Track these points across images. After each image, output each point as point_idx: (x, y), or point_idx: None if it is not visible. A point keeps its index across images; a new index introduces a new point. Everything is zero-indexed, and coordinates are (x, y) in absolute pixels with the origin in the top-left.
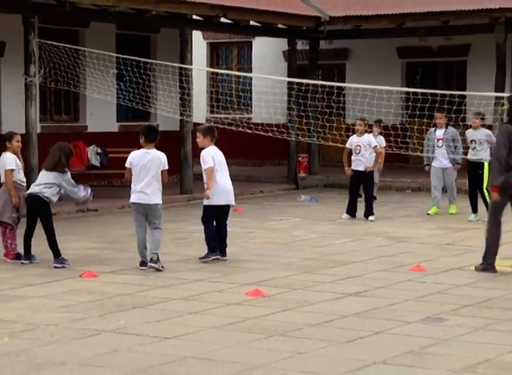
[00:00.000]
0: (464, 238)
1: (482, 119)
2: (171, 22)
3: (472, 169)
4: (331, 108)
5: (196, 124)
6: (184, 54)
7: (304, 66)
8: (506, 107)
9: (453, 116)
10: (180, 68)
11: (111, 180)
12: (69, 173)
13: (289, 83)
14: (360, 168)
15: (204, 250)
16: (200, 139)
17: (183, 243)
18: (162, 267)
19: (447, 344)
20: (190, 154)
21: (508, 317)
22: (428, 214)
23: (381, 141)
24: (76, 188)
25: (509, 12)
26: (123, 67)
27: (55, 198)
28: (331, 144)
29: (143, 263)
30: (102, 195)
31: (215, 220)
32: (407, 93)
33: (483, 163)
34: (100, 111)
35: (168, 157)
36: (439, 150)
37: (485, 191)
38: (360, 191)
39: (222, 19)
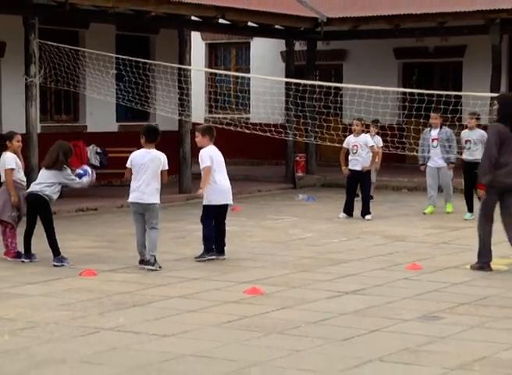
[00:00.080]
0: (460, 237)
1: (478, 119)
2: (170, 23)
3: (468, 169)
4: (328, 109)
5: (194, 124)
6: (183, 54)
7: (302, 67)
8: (496, 107)
9: (449, 116)
10: (179, 68)
11: (110, 180)
12: (68, 169)
13: (286, 83)
14: (357, 168)
15: (202, 249)
16: (199, 138)
17: (181, 242)
18: (160, 267)
19: (443, 341)
20: (188, 154)
21: (504, 315)
22: (424, 213)
23: (378, 141)
24: (77, 179)
25: (504, 13)
26: (123, 68)
27: (55, 196)
28: (328, 144)
29: (142, 261)
30: (102, 195)
31: (214, 220)
32: (404, 93)
33: (478, 163)
34: (99, 111)
35: (167, 157)
36: (434, 150)
37: None
38: (357, 191)
39: (221, 20)
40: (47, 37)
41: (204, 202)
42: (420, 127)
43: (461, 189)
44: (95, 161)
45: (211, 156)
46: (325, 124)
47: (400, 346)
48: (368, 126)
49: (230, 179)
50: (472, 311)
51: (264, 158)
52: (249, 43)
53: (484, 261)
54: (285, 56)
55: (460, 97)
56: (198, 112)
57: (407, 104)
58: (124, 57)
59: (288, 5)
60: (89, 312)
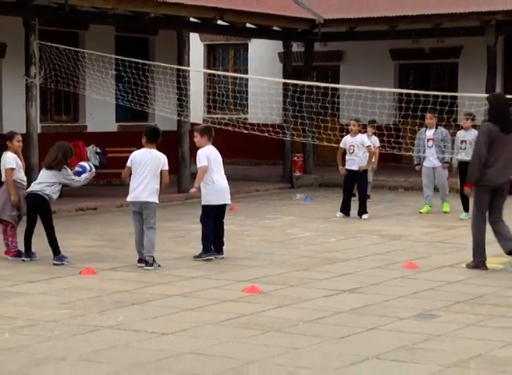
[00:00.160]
0: (456, 236)
1: (473, 120)
2: (169, 24)
3: (463, 169)
4: (325, 109)
5: (193, 124)
6: (182, 55)
7: (299, 68)
8: (486, 107)
9: (445, 116)
10: (178, 69)
11: (110, 180)
12: (68, 170)
13: (284, 84)
14: (354, 167)
15: (201, 248)
16: (197, 138)
17: (180, 241)
18: (159, 266)
19: (439, 339)
20: (187, 153)
21: (499, 313)
22: (420, 212)
23: (375, 141)
24: (76, 178)
25: (499, 15)
26: (122, 68)
27: (55, 196)
28: (325, 144)
29: (140, 260)
30: (101, 194)
31: (213, 219)
32: (400, 94)
33: None
34: (99, 111)
35: (166, 157)
36: (429, 150)
37: None
38: (354, 191)
39: (219, 22)
40: (47, 38)
41: (203, 202)
42: (416, 128)
43: (457, 189)
44: (95, 161)
45: (208, 156)
46: (322, 124)
47: (396, 344)
48: (364, 127)
49: (228, 179)
50: (468, 309)
51: (262, 158)
52: (247, 44)
53: (479, 260)
54: (282, 57)
55: (455, 98)
56: (197, 112)
57: (403, 104)
58: (123, 58)
59: (285, 6)
60: (89, 311)
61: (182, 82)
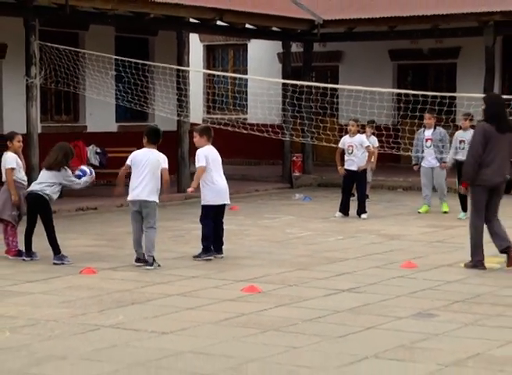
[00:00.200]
0: (454, 236)
1: (471, 120)
2: (168, 25)
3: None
4: (324, 109)
5: (193, 124)
6: (181, 56)
7: (298, 68)
8: (483, 107)
9: (443, 116)
10: (177, 70)
11: (110, 179)
12: (69, 171)
13: (283, 84)
14: (353, 168)
15: (200, 248)
16: (197, 139)
17: (180, 240)
18: (159, 265)
19: (438, 338)
20: (187, 153)
21: (497, 313)
22: (419, 212)
23: (374, 141)
24: (76, 180)
25: (497, 15)
26: (122, 69)
27: (55, 196)
28: (324, 144)
29: (138, 260)
30: (101, 194)
31: (213, 219)
32: (399, 94)
33: None
34: (99, 111)
35: (166, 156)
36: (428, 150)
37: None
38: (353, 191)
39: (219, 22)
40: (47, 38)
41: (203, 202)
42: (415, 128)
43: (455, 189)
44: (95, 161)
45: (206, 156)
46: (321, 125)
47: (394, 343)
48: (363, 127)
49: (228, 178)
50: (466, 308)
51: (261, 158)
52: (246, 45)
53: (477, 259)
54: (282, 58)
55: (454, 98)
56: (196, 112)
57: (401, 105)
58: (123, 58)
59: (285, 7)
60: (89, 310)
61: (181, 82)
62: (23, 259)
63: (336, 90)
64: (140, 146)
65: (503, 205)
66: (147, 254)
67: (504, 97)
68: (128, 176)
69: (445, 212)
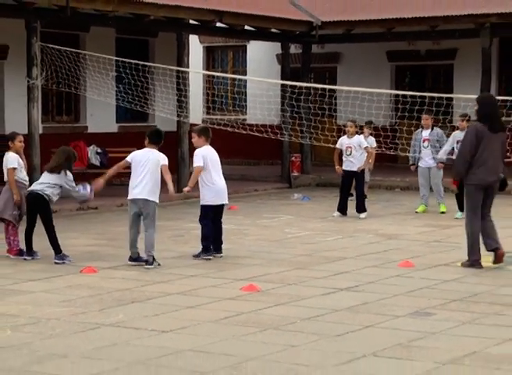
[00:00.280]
0: (451, 235)
1: (468, 120)
2: (168, 26)
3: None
4: (323, 110)
5: (192, 125)
6: (181, 57)
7: (297, 69)
8: (476, 107)
9: (440, 117)
10: (177, 71)
11: (110, 179)
12: (70, 175)
13: (282, 85)
14: (352, 168)
15: (200, 247)
16: (195, 139)
17: (180, 240)
18: (159, 264)
19: (435, 337)
20: (186, 154)
21: (494, 311)
22: (416, 212)
23: (372, 142)
24: (77, 188)
25: (494, 17)
26: (122, 70)
27: (55, 198)
28: (323, 144)
29: (131, 258)
30: (102, 194)
31: (212, 219)
32: (397, 95)
33: None
34: (100, 112)
35: (166, 157)
36: (425, 150)
37: None
38: (351, 191)
39: (218, 24)
40: (48, 40)
41: (202, 202)
42: (412, 128)
43: (452, 189)
44: (95, 161)
45: (204, 156)
46: (319, 125)
47: (392, 341)
48: (361, 128)
49: (227, 178)
50: (463, 307)
51: (260, 159)
52: (245, 46)
53: (474, 258)
54: (280, 59)
55: (451, 99)
56: (196, 113)
57: (399, 106)
58: (124, 60)
59: (284, 9)
60: (89, 309)
61: (181, 83)
62: (24, 258)
63: (334, 91)
64: (140, 146)
65: (496, 204)
66: (147, 253)
67: (501, 98)
68: (127, 175)
69: (442, 213)
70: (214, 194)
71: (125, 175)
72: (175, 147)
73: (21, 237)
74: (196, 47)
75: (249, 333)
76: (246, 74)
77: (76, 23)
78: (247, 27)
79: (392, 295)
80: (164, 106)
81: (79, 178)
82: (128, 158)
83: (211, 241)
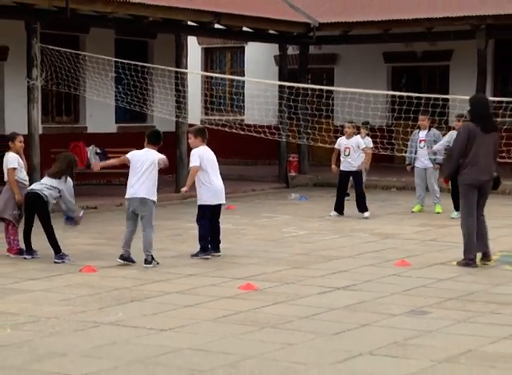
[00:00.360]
0: (447, 235)
1: (464, 121)
2: (167, 28)
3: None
4: (320, 111)
5: (191, 125)
6: (180, 58)
7: (295, 70)
8: (468, 108)
9: (436, 118)
10: (176, 72)
11: (109, 179)
12: (70, 181)
13: (280, 86)
14: (349, 169)
15: (198, 247)
16: (191, 140)
17: (178, 239)
18: (157, 263)
19: (431, 335)
20: (185, 154)
21: (489, 310)
22: (412, 212)
23: (368, 142)
24: (72, 200)
25: (489, 19)
26: (121, 71)
27: (52, 200)
28: (320, 144)
29: (121, 256)
30: (101, 193)
31: (209, 219)
32: (393, 96)
33: None
34: (99, 113)
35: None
36: (421, 150)
37: None
38: (348, 190)
39: (216, 25)
40: (48, 41)
41: (199, 202)
42: (408, 129)
43: (448, 189)
44: (95, 161)
45: (201, 156)
46: (316, 126)
47: (388, 340)
48: (358, 128)
49: (225, 178)
50: (459, 306)
51: (258, 159)
52: (243, 47)
53: (470, 257)
54: (278, 60)
55: (447, 100)
56: (195, 113)
57: (395, 106)
58: (123, 61)
59: (281, 10)
60: (89, 307)
61: (180, 84)
62: (24, 258)
63: (331, 92)
64: (139, 147)
65: (488, 204)
66: (145, 252)
67: (497, 99)
68: (125, 175)
69: (438, 213)
70: (212, 194)
71: (123, 175)
72: (173, 147)
73: (21, 236)
74: (194, 48)
75: (247, 332)
76: (244, 75)
77: (76, 25)
78: (244, 29)
79: (389, 294)
80: (163, 107)
81: (79, 178)
82: (128, 156)
83: (209, 241)
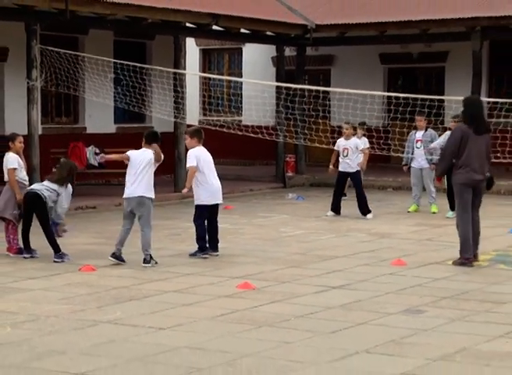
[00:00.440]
0: (442, 234)
1: (460, 122)
2: (165, 29)
3: (450, 169)
4: (317, 112)
5: (189, 126)
6: (178, 59)
7: (292, 72)
8: (462, 109)
9: (432, 119)
10: (174, 73)
11: (108, 179)
12: (70, 188)
13: (277, 87)
14: (347, 170)
15: (196, 246)
16: (188, 140)
17: (176, 239)
18: (156, 263)
19: (426, 334)
20: (183, 154)
21: (484, 309)
22: (408, 211)
23: (365, 142)
24: (66, 205)
25: (485, 21)
26: (120, 72)
27: (50, 202)
28: (317, 145)
29: (113, 254)
30: (100, 193)
31: (207, 219)
32: (389, 97)
33: None
34: (98, 113)
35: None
36: (418, 151)
37: None
38: (345, 191)
39: (214, 27)
40: (48, 42)
41: (197, 202)
42: (404, 130)
43: (444, 189)
44: (94, 161)
45: (197, 156)
46: (313, 126)
47: (384, 338)
48: (355, 129)
49: (223, 178)
50: (454, 305)
51: (255, 159)
52: (241, 49)
53: (465, 257)
54: (275, 61)
55: (442, 101)
56: (193, 114)
57: (392, 107)
58: (122, 62)
59: (279, 12)
60: (88, 306)
61: (178, 85)
62: (24, 257)
63: (328, 93)
64: (137, 147)
65: (483, 204)
66: (144, 252)
67: (492, 100)
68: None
69: (433, 213)
70: (209, 194)
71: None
72: (172, 148)
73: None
74: (192, 49)
75: (244, 331)
76: (241, 76)
77: (75, 26)
78: (242, 30)
79: (385, 293)
80: (161, 107)
81: (78, 178)
82: (128, 153)
83: (206, 241)
